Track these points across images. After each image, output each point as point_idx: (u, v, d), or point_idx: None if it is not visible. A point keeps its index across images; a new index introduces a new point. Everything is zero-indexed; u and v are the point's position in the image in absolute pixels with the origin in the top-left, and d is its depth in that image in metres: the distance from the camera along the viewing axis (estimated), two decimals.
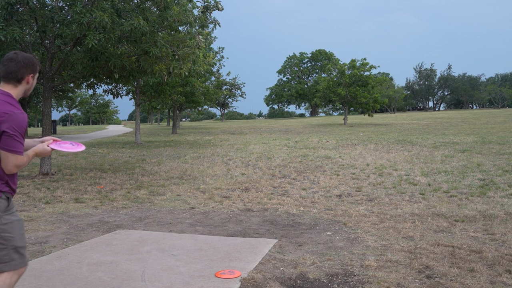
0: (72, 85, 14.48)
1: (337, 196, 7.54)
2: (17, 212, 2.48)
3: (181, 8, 9.36)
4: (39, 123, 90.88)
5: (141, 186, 8.65)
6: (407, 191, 7.69)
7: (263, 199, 7.33)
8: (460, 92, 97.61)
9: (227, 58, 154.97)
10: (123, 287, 3.39)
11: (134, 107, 25.20)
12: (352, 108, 40.71)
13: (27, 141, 2.57)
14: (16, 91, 2.42)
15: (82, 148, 2.69)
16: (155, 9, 9.27)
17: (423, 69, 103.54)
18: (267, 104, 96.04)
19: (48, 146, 2.52)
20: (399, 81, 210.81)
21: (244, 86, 75.71)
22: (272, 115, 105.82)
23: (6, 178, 2.38)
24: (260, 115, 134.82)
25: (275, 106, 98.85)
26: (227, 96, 74.44)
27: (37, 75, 2.54)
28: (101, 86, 12.42)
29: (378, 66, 42.98)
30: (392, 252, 4.35)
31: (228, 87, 71.50)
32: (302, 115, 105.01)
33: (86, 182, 9.17)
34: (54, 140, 2.57)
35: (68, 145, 2.65)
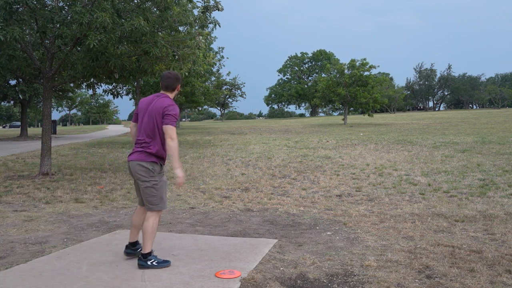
0: (72, 85, 14.47)
1: (337, 196, 7.54)
2: (165, 176, 3.96)
3: (181, 9, 9.35)
4: (39, 123, 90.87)
5: None
6: (407, 191, 7.69)
7: (263, 199, 7.33)
8: (460, 92, 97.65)
9: (227, 58, 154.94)
10: (123, 287, 3.39)
11: (134, 107, 25.18)
12: (352, 108, 40.72)
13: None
14: (171, 95, 3.98)
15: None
16: (155, 9, 9.27)
17: (423, 69, 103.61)
18: (267, 104, 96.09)
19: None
20: (399, 81, 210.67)
21: (244, 86, 75.86)
22: (272, 115, 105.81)
23: (162, 154, 3.83)
24: (260, 115, 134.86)
25: (275, 106, 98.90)
26: (227, 96, 74.50)
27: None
28: (101, 86, 12.41)
29: (378, 66, 43.01)
30: (392, 252, 4.35)
31: (228, 87, 71.55)
32: (302, 115, 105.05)
33: (86, 182, 9.17)
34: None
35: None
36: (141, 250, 4.00)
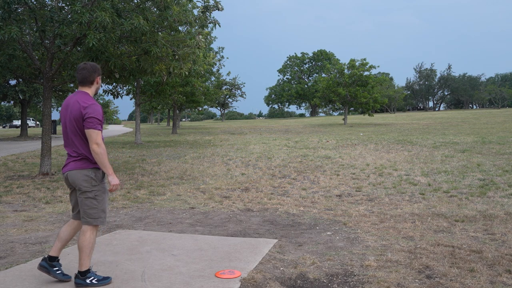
0: (72, 85, 14.47)
1: (337, 196, 7.54)
2: (106, 183, 3.47)
3: (181, 8, 9.35)
4: (39, 123, 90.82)
5: (141, 186, 8.65)
6: (407, 191, 7.69)
7: (263, 199, 7.33)
8: (460, 92, 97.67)
9: (227, 58, 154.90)
10: (123, 287, 3.39)
11: (134, 107, 25.20)
12: (352, 108, 40.75)
13: None
14: (90, 90, 3.47)
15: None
16: (155, 9, 9.27)
17: (423, 69, 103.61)
18: (267, 104, 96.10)
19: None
20: (399, 81, 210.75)
21: (244, 86, 75.75)
22: (272, 115, 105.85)
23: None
24: (260, 115, 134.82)
25: (275, 106, 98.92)
26: (227, 96, 74.43)
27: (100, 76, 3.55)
28: (101, 86, 12.42)
29: (378, 66, 43.04)
30: (392, 252, 4.35)
31: (228, 87, 71.48)
32: (302, 115, 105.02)
33: None
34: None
35: None
36: (58, 270, 3.50)
